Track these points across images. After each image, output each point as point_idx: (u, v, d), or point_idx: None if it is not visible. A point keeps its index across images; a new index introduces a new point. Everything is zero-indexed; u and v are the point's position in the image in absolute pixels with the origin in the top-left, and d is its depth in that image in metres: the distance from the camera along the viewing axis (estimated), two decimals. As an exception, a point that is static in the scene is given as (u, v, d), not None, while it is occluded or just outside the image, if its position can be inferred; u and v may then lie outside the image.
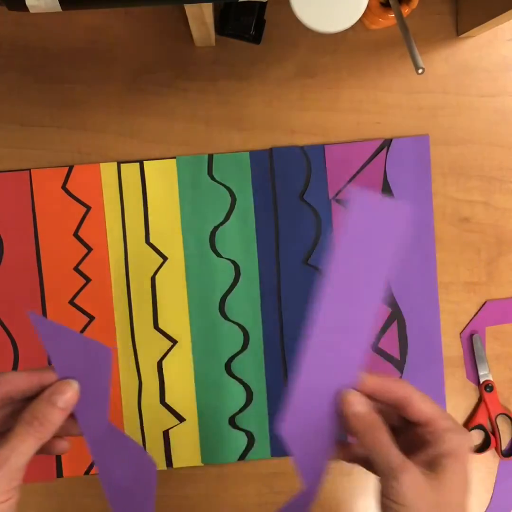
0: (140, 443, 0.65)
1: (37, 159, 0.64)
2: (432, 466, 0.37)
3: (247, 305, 0.65)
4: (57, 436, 0.37)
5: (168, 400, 0.65)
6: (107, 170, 0.64)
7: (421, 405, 0.40)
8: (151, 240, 0.64)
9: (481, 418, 0.66)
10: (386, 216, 0.41)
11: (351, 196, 0.41)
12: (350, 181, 0.64)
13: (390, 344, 0.65)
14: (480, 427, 0.66)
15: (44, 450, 0.36)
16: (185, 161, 0.64)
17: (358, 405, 0.39)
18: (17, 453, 0.31)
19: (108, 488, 0.37)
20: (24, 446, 0.31)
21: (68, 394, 0.34)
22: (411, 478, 0.35)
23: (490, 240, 0.66)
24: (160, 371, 0.65)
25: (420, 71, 0.48)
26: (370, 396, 0.40)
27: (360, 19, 0.44)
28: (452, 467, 0.36)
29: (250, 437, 0.65)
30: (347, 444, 0.44)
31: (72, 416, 0.36)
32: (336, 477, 0.66)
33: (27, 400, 0.34)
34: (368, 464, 0.41)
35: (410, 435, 0.40)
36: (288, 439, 0.41)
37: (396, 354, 0.65)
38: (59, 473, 0.65)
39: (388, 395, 0.40)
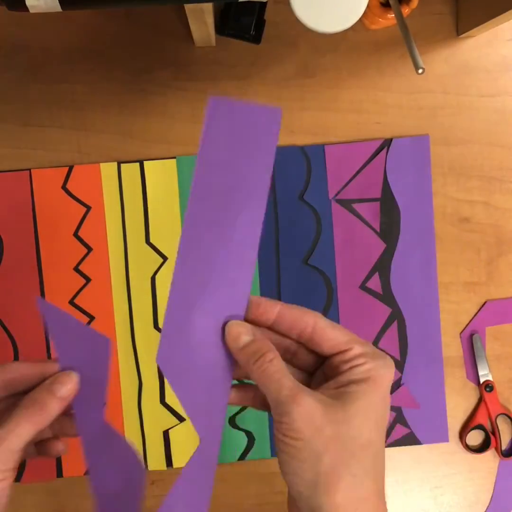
0: (140, 443, 0.65)
1: (37, 159, 0.64)
2: (338, 395, 0.31)
3: (247, 305, 0.65)
4: (54, 437, 0.37)
5: (168, 400, 0.65)
6: (107, 170, 0.64)
7: (329, 332, 0.34)
8: (151, 240, 0.64)
9: (481, 418, 0.66)
10: (251, 124, 0.35)
11: (208, 105, 0.35)
12: (350, 181, 0.64)
13: (390, 344, 0.65)
14: (480, 427, 0.66)
15: (41, 451, 0.36)
16: (185, 161, 0.64)
17: (243, 335, 0.33)
18: (13, 435, 0.31)
19: (96, 488, 0.37)
20: (21, 429, 0.32)
21: (68, 386, 0.33)
22: (305, 410, 0.30)
23: (490, 240, 0.66)
24: (160, 371, 0.65)
25: (420, 71, 0.48)
26: (271, 329, 0.35)
27: (360, 19, 0.44)
28: (363, 395, 0.30)
29: (250, 437, 0.65)
30: (246, 386, 0.38)
31: (69, 416, 0.36)
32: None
33: (28, 392, 0.34)
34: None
35: (325, 370, 0.34)
36: (169, 375, 0.37)
37: (396, 354, 0.65)
38: (59, 473, 0.65)
39: (288, 324, 0.34)
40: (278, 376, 0.31)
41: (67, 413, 0.35)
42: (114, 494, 0.36)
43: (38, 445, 0.36)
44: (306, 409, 0.30)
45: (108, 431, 0.36)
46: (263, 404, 0.37)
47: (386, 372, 0.33)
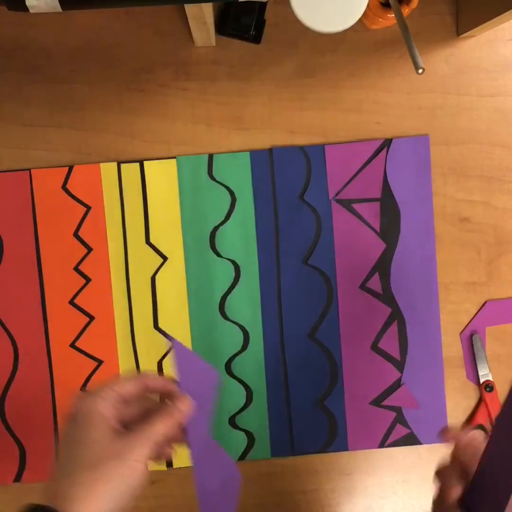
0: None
1: (37, 159, 0.64)
2: None
3: (247, 305, 0.65)
4: (168, 444, 0.46)
5: (168, 400, 0.65)
6: (107, 170, 0.64)
7: None
8: (151, 240, 0.64)
9: (481, 418, 0.66)
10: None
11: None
12: (350, 181, 0.64)
13: (390, 344, 0.65)
14: (480, 427, 0.66)
15: (157, 454, 0.44)
16: (185, 161, 0.64)
17: None
18: (152, 430, 0.42)
19: (200, 490, 0.45)
20: (157, 427, 0.42)
21: (186, 406, 0.44)
22: None
23: (490, 240, 0.66)
24: (160, 371, 0.65)
25: (420, 71, 0.48)
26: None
27: (360, 19, 0.44)
28: None
29: (250, 437, 0.65)
30: None
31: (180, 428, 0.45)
32: (336, 477, 0.66)
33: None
34: None
35: None
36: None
37: (396, 354, 0.65)
38: (59, 473, 0.65)
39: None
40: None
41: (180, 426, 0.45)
42: (214, 492, 0.46)
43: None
44: None
45: (211, 443, 0.45)
46: None
47: None
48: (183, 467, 0.65)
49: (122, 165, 0.64)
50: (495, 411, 0.65)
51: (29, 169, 0.64)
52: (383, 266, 0.65)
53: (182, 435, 0.45)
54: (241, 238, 0.64)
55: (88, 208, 0.64)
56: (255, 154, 0.64)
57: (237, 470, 0.47)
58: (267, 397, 0.65)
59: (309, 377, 0.65)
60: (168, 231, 0.64)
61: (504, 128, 0.65)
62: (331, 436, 0.65)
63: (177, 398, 0.44)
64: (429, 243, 0.65)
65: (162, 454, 0.46)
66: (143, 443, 0.41)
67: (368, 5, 0.44)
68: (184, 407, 0.44)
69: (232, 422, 0.65)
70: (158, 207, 0.64)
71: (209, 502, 0.45)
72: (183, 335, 0.64)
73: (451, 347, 0.66)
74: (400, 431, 0.65)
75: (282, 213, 0.64)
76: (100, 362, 0.64)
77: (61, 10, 0.42)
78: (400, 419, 0.65)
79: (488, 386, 0.65)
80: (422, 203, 0.65)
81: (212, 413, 0.47)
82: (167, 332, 0.64)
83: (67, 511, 0.37)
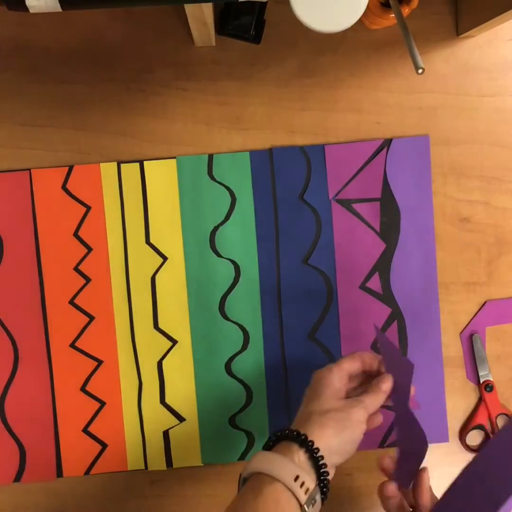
0: (140, 443, 0.65)
1: (37, 159, 0.64)
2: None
3: (247, 305, 0.65)
4: (375, 413, 0.55)
5: (168, 400, 0.65)
6: (107, 170, 0.64)
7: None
8: (151, 240, 0.64)
9: (481, 418, 0.66)
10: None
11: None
12: (350, 181, 0.64)
13: (390, 344, 0.65)
14: (480, 427, 0.66)
15: (369, 419, 0.54)
16: (185, 161, 0.64)
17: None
18: (367, 402, 0.53)
19: (400, 446, 0.57)
20: (369, 401, 0.53)
21: (389, 383, 0.55)
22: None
23: (490, 240, 0.66)
24: (160, 371, 0.65)
25: (420, 71, 0.48)
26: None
27: (360, 19, 0.44)
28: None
29: (250, 437, 0.65)
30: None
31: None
32: (337, 477, 0.66)
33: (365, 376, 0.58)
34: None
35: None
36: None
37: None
38: (59, 473, 0.65)
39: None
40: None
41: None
42: (409, 453, 0.56)
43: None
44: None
45: (409, 415, 0.54)
46: None
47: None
48: (183, 467, 0.65)
49: (122, 165, 0.64)
50: (495, 411, 0.65)
51: (29, 169, 0.64)
52: (383, 266, 0.65)
53: (389, 403, 0.56)
54: (241, 238, 0.64)
55: (88, 208, 0.64)
56: (255, 154, 0.64)
57: (425, 437, 0.55)
58: (267, 397, 0.65)
59: (309, 377, 0.65)
60: (168, 231, 0.64)
61: (504, 128, 0.65)
62: (331, 436, 0.65)
63: (382, 377, 0.55)
64: (429, 243, 0.65)
65: (371, 421, 0.55)
66: (359, 408, 0.52)
67: (368, 5, 0.43)
68: (387, 386, 0.55)
69: (232, 422, 0.65)
70: (158, 207, 0.64)
71: (405, 459, 0.56)
72: (183, 335, 0.64)
73: (451, 347, 0.66)
74: (400, 431, 0.66)
75: (282, 213, 0.64)
76: (100, 362, 0.64)
77: (61, 10, 0.42)
78: (400, 419, 0.65)
79: (488, 386, 0.65)
80: (422, 203, 0.65)
81: (409, 392, 0.56)
82: (167, 332, 0.64)
83: (308, 435, 0.50)
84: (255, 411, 0.65)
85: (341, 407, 0.52)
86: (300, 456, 0.49)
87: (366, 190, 0.65)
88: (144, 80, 0.64)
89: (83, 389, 0.65)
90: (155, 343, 0.65)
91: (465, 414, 0.67)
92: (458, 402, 0.66)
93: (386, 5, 0.58)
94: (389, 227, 0.65)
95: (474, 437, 0.67)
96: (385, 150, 0.64)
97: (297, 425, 0.52)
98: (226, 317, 0.65)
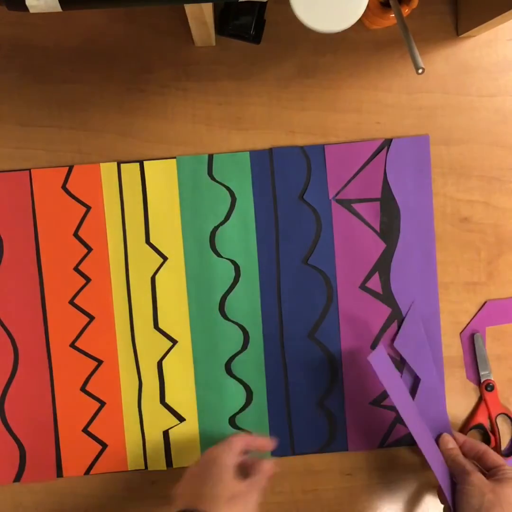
0: (140, 443, 0.65)
1: (37, 159, 0.64)
2: (497, 480, 0.57)
3: (247, 305, 0.65)
4: None
5: (168, 400, 0.65)
6: (107, 170, 0.64)
7: (493, 456, 0.60)
8: (151, 240, 0.64)
9: (481, 418, 0.66)
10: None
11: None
12: (350, 181, 0.64)
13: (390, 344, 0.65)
14: (480, 426, 0.66)
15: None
16: (185, 161, 0.64)
17: (450, 443, 0.62)
18: (260, 482, 0.57)
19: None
20: (262, 480, 0.58)
21: (271, 467, 0.60)
22: (478, 477, 0.57)
23: (490, 240, 0.66)
24: (160, 371, 0.65)
25: (420, 71, 0.48)
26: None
27: (360, 19, 0.44)
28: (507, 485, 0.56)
29: (250, 437, 0.65)
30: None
31: None
32: (336, 477, 0.66)
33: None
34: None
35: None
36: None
37: (396, 354, 0.65)
38: (59, 473, 0.65)
39: (472, 449, 0.62)
40: (463, 461, 0.60)
41: None
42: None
43: None
44: (479, 476, 0.57)
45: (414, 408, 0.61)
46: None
47: None
48: (183, 467, 0.65)
49: (122, 165, 0.64)
50: (495, 410, 0.65)
51: (29, 169, 0.64)
52: (383, 266, 0.65)
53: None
54: (241, 238, 0.64)
55: (88, 208, 0.64)
56: (255, 154, 0.64)
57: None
58: (267, 397, 0.65)
59: (309, 377, 0.65)
60: (168, 231, 0.64)
61: (504, 128, 0.65)
62: (331, 436, 0.65)
63: (262, 461, 0.59)
64: (429, 243, 0.65)
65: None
66: (258, 490, 0.56)
67: (368, 5, 0.44)
68: (268, 467, 0.59)
69: (232, 422, 0.65)
70: (158, 207, 0.64)
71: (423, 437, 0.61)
72: (183, 335, 0.64)
73: (451, 347, 0.66)
74: (400, 431, 0.66)
75: (282, 213, 0.64)
76: (100, 362, 0.64)
77: (61, 10, 0.42)
78: (400, 419, 0.65)
79: (489, 386, 0.65)
80: (422, 203, 0.65)
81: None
82: (167, 332, 0.64)
83: None
84: (255, 411, 0.65)
85: (244, 492, 0.55)
86: None
87: (366, 190, 0.65)
88: (144, 80, 0.64)
89: (83, 389, 0.65)
90: (155, 343, 0.65)
91: (465, 413, 0.67)
92: (458, 402, 0.66)
93: (386, 5, 0.58)
94: (389, 227, 0.65)
95: (474, 436, 0.67)
96: (385, 150, 0.64)
97: (203, 505, 0.53)
98: (226, 317, 0.65)
